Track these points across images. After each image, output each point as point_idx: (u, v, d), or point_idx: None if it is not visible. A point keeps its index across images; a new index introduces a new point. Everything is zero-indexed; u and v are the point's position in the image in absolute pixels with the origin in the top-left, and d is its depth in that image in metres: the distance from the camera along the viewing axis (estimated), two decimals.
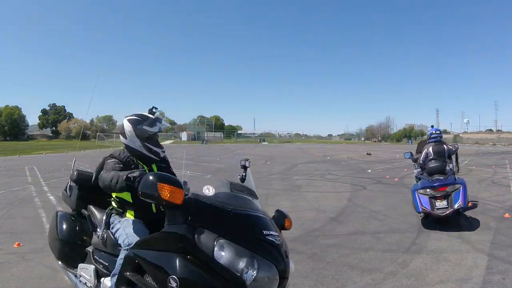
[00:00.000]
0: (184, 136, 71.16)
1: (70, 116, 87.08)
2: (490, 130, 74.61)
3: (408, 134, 72.94)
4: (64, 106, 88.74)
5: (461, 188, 4.86)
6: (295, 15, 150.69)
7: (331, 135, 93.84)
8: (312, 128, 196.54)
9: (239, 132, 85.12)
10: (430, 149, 5.56)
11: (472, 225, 4.99)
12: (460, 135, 68.92)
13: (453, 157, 5.78)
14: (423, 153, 5.63)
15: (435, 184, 4.92)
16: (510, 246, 4.05)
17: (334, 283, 3.12)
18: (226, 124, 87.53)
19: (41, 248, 4.17)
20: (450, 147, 5.66)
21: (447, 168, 5.41)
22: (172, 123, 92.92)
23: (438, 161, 5.43)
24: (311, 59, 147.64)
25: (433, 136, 5.75)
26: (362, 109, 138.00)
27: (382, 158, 20.09)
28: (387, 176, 10.77)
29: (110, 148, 43.10)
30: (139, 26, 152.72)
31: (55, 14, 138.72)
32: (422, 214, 5.02)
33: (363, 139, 79.93)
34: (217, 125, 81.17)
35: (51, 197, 7.74)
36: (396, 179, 10.12)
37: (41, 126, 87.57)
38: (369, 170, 12.79)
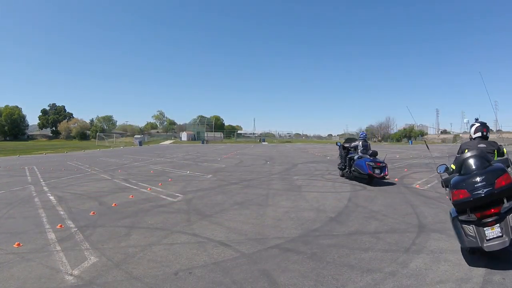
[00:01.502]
0: (184, 136, 71.21)
1: (70, 116, 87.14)
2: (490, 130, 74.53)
3: (408, 134, 72.92)
4: (64, 106, 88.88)
5: None
6: (295, 14, 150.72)
7: (331, 135, 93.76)
8: (312, 128, 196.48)
9: (239, 132, 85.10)
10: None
11: None
12: (460, 135, 68.89)
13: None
14: None
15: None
16: (510, 246, 4.04)
17: (334, 283, 3.12)
18: (226, 124, 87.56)
19: (41, 248, 4.18)
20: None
21: None
22: (172, 123, 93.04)
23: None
24: (311, 59, 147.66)
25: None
26: (362, 109, 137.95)
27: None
28: (387, 176, 10.76)
29: (110, 148, 43.07)
30: (139, 25, 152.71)
31: (56, 13, 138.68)
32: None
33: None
34: (217, 125, 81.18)
35: (51, 197, 7.74)
36: (396, 179, 10.12)
37: (41, 126, 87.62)
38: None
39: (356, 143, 10.14)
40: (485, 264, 3.49)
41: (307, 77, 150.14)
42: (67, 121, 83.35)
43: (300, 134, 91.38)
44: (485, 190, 3.33)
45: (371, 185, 8.81)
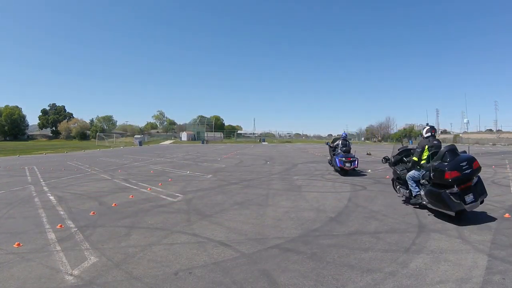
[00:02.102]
0: (184, 136, 71.20)
1: (70, 116, 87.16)
2: (490, 130, 74.62)
3: (408, 134, 72.92)
4: (64, 106, 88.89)
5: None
6: (295, 14, 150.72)
7: (331, 135, 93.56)
8: (312, 128, 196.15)
9: (239, 132, 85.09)
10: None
11: (472, 225, 5.00)
12: (460, 135, 68.90)
13: None
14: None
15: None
16: (510, 246, 4.05)
17: (334, 283, 3.12)
18: (226, 124, 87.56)
19: (41, 248, 4.18)
20: None
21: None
22: (172, 123, 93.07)
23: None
24: (311, 59, 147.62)
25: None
26: (362, 109, 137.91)
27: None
28: (387, 176, 10.75)
29: (110, 148, 43.06)
30: (140, 25, 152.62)
31: (56, 13, 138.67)
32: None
33: (363, 139, 79.92)
34: (217, 125, 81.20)
35: (51, 197, 7.74)
36: None
37: (41, 126, 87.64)
38: (369, 170, 12.78)
39: (337, 142, 12.29)
40: (485, 264, 3.50)
41: (307, 77, 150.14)
42: (67, 121, 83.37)
43: (300, 134, 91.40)
44: (468, 171, 5.04)
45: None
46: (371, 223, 5.17)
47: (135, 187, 9.10)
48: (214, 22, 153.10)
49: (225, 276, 3.29)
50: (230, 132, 79.95)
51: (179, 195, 7.83)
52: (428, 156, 5.82)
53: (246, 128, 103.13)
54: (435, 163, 5.40)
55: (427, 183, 5.68)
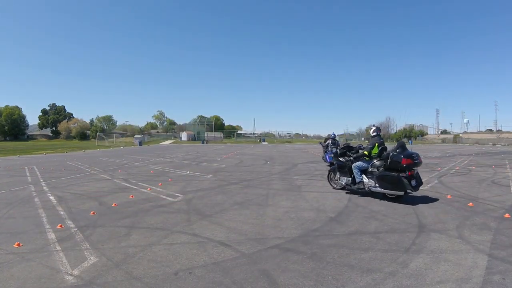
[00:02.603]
0: (184, 136, 71.19)
1: (70, 116, 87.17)
2: (490, 130, 74.61)
3: (408, 134, 72.90)
4: (64, 106, 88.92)
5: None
6: (295, 13, 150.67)
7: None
8: (312, 128, 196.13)
9: (239, 132, 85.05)
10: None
11: (472, 225, 5.00)
12: (460, 135, 68.89)
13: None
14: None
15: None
16: (510, 246, 4.05)
17: (334, 283, 3.12)
18: (226, 124, 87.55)
19: (41, 248, 4.18)
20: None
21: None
22: (172, 123, 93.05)
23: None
24: (311, 59, 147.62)
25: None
26: (362, 109, 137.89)
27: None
28: None
29: (110, 148, 43.06)
30: (140, 25, 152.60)
31: (56, 13, 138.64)
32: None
33: (363, 139, 79.91)
34: (217, 125, 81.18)
35: (51, 197, 7.74)
36: None
37: (41, 126, 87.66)
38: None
39: (328, 141, 14.99)
40: (485, 264, 3.50)
41: (307, 77, 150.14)
42: (67, 121, 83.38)
43: (300, 134, 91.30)
44: (417, 161, 6.73)
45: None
46: (371, 223, 5.17)
47: (135, 187, 9.11)
48: (214, 22, 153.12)
49: (225, 276, 3.29)
50: (230, 132, 79.93)
51: (179, 195, 7.83)
52: (380, 151, 7.27)
53: (246, 128, 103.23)
54: (391, 153, 6.78)
55: (376, 171, 7.04)
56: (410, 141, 64.51)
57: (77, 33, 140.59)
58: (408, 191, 6.48)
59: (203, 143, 58.57)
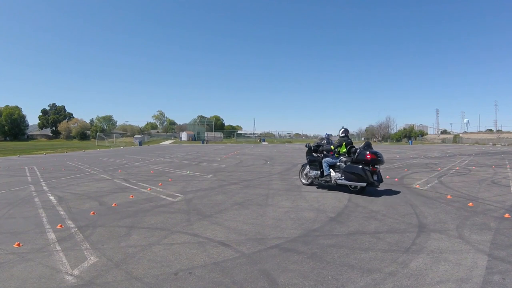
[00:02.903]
0: (184, 136, 71.20)
1: (70, 116, 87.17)
2: (490, 130, 74.63)
3: (408, 134, 72.88)
4: (64, 106, 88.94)
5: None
6: (295, 13, 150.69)
7: (331, 135, 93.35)
8: (312, 128, 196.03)
9: (239, 132, 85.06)
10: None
11: (472, 225, 5.00)
12: (460, 135, 68.87)
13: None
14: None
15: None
16: (510, 246, 4.05)
17: (334, 283, 3.12)
18: (226, 124, 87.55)
19: (41, 248, 4.18)
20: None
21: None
22: (172, 123, 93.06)
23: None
24: (311, 59, 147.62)
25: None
26: (362, 109, 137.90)
27: None
28: (387, 176, 10.76)
29: (110, 148, 43.03)
30: (140, 25, 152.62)
31: (56, 14, 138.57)
32: None
33: (363, 139, 79.87)
34: (217, 125, 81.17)
35: (51, 197, 7.74)
36: (396, 179, 10.12)
37: (41, 126, 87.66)
38: None
39: (323, 141, 16.16)
40: (485, 264, 3.50)
41: (307, 77, 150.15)
42: (67, 121, 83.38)
43: (300, 134, 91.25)
44: (380, 158, 7.51)
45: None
46: (371, 223, 5.17)
47: (135, 187, 9.11)
48: (214, 22, 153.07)
49: (225, 276, 3.29)
50: (230, 132, 79.93)
51: (179, 195, 7.83)
52: (348, 149, 8.16)
53: (246, 128, 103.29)
54: (358, 149, 7.71)
55: (343, 165, 7.88)
56: (410, 141, 64.56)
57: (77, 33, 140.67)
58: (370, 182, 7.27)
59: (203, 143, 58.58)
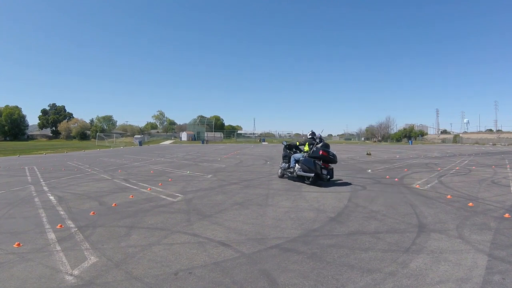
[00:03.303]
0: (184, 136, 71.20)
1: (70, 116, 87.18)
2: (490, 130, 74.63)
3: (408, 134, 72.88)
4: (64, 106, 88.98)
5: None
6: (295, 13, 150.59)
7: (331, 135, 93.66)
8: (312, 128, 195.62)
9: (239, 132, 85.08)
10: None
11: (472, 225, 5.00)
12: (460, 135, 68.87)
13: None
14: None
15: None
16: (510, 246, 4.05)
17: (334, 283, 3.12)
18: (226, 124, 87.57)
19: (41, 248, 4.18)
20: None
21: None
22: (172, 123, 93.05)
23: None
24: (311, 59, 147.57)
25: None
26: (362, 109, 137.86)
27: (382, 158, 20.07)
28: (387, 176, 10.77)
29: (110, 148, 43.00)
30: (140, 26, 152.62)
31: (56, 14, 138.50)
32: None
33: (363, 139, 79.88)
34: (217, 125, 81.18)
35: (51, 197, 7.74)
36: (396, 179, 10.12)
37: (41, 126, 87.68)
38: (369, 170, 12.79)
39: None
40: (485, 264, 3.50)
41: (307, 77, 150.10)
42: (67, 121, 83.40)
43: (300, 134, 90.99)
44: (332, 157, 8.99)
45: (371, 186, 8.89)
46: (371, 223, 5.17)
47: (135, 187, 9.10)
48: (214, 22, 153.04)
49: (225, 276, 3.29)
50: (230, 132, 79.93)
51: (179, 195, 7.83)
52: (310, 147, 9.42)
53: (246, 128, 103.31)
54: (315, 148, 9.14)
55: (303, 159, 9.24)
56: (410, 141, 64.58)
57: (77, 34, 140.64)
58: (317, 173, 8.66)
59: (203, 143, 58.58)
